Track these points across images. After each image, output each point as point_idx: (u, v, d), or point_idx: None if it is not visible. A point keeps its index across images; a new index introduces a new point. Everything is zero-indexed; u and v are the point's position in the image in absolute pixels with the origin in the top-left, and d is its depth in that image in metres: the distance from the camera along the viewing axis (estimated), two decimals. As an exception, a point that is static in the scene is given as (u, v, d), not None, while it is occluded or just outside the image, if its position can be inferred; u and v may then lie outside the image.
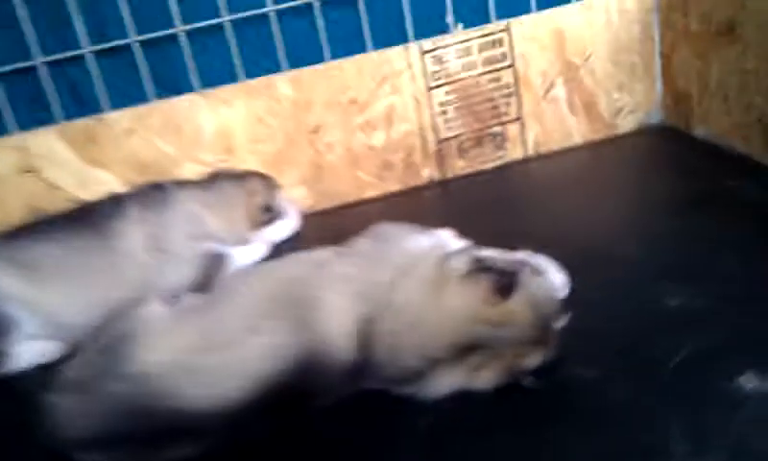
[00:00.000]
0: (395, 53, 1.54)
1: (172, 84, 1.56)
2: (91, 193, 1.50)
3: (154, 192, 1.31)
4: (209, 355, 0.87)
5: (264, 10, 1.51)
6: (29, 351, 1.17)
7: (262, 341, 0.88)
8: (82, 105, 1.54)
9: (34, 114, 1.53)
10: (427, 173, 1.64)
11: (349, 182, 1.62)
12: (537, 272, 0.91)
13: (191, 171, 1.54)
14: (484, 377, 0.86)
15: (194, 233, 1.30)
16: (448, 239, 1.11)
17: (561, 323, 0.88)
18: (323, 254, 0.99)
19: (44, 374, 1.16)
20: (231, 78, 1.56)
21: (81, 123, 1.49)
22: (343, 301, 0.91)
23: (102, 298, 1.21)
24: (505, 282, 0.85)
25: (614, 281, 1.03)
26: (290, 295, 0.92)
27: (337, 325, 0.89)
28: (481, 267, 0.89)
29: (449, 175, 1.64)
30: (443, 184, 1.63)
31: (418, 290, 0.89)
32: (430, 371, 0.87)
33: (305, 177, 1.60)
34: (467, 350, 0.85)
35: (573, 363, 0.89)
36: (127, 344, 0.89)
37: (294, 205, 1.51)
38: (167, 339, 0.89)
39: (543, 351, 0.86)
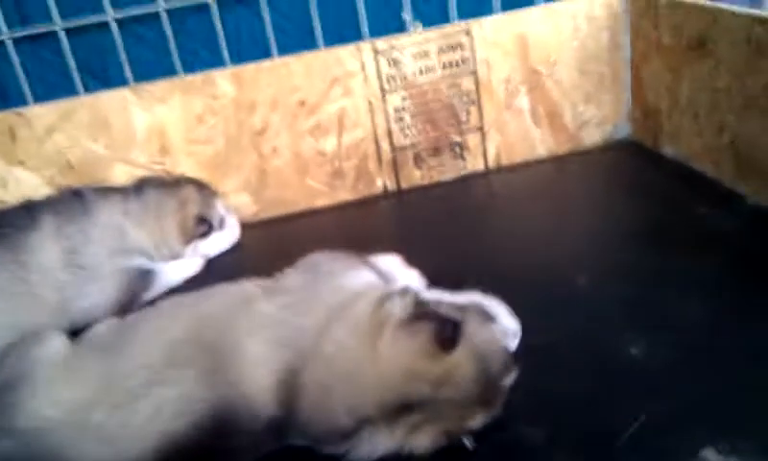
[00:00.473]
0: (346, 52, 1.42)
1: (102, 77, 1.42)
2: (11, 194, 1.37)
3: (71, 201, 1.18)
4: (108, 410, 0.75)
5: (205, -1, 1.39)
6: None
7: (169, 394, 0.77)
8: (6, 98, 1.40)
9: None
10: (381, 183, 1.53)
11: (298, 190, 1.50)
12: (485, 319, 0.81)
13: (122, 173, 1.41)
14: (420, 440, 0.76)
15: (117, 248, 1.18)
16: (393, 269, 1.01)
17: (509, 379, 0.78)
18: (248, 288, 0.88)
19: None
20: (168, 71, 1.43)
21: (-1, 116, 1.35)
22: (265, 347, 0.80)
23: (11, 321, 1.08)
24: (448, 332, 0.75)
25: (571, 325, 0.94)
26: (204, 338, 0.81)
27: (257, 375, 0.79)
28: (422, 313, 0.79)
29: (405, 185, 1.53)
30: (398, 195, 1.53)
31: (350, 337, 0.79)
32: (361, 430, 0.77)
33: (249, 183, 1.48)
34: (402, 409, 0.75)
35: (519, 423, 0.80)
36: (15, 391, 0.78)
37: (233, 214, 1.39)
38: (61, 388, 0.78)
39: (488, 412, 0.77)
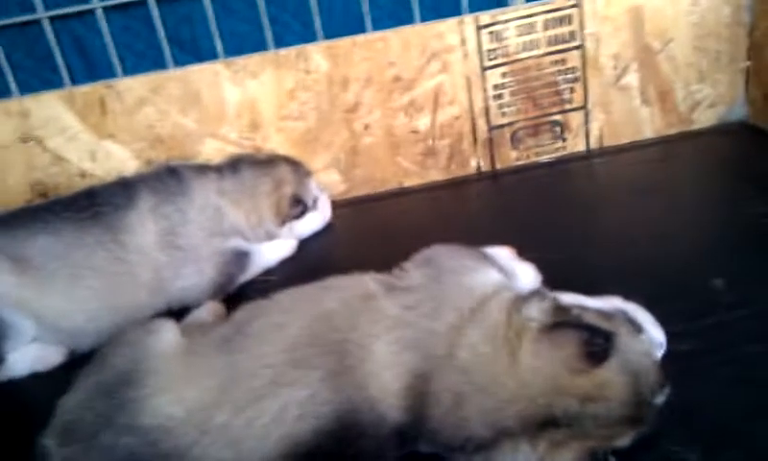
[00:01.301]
0: (447, 26, 1.35)
1: (190, 50, 1.38)
2: (100, 167, 1.35)
3: (167, 179, 1.14)
4: (232, 411, 0.72)
5: (300, -31, 1.32)
6: (26, 358, 1.03)
7: (295, 395, 0.72)
8: (91, 68, 1.37)
9: (37, 76, 1.36)
10: (475, 163, 1.46)
11: (388, 169, 1.44)
12: (634, 329, 0.74)
13: (212, 148, 1.38)
14: (564, 456, 0.70)
15: (214, 229, 1.14)
16: (509, 264, 0.95)
17: (661, 397, 0.71)
18: (368, 284, 0.82)
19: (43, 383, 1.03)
20: (258, 45, 1.37)
21: (90, 89, 1.32)
22: (391, 350, 0.75)
23: (110, 302, 1.06)
24: (598, 345, 0.68)
25: (716, 332, 0.86)
26: (326, 338, 0.76)
27: (384, 379, 0.74)
28: (566, 321, 0.72)
29: (500, 166, 1.46)
30: (492, 177, 1.46)
31: (485, 344, 0.73)
32: (497, 442, 0.71)
33: (339, 160, 1.42)
34: (545, 423, 0.69)
35: (669, 441, 0.73)
36: (134, 386, 0.74)
37: (325, 194, 1.34)
38: (183, 385, 0.74)
39: (637, 430, 0.70)
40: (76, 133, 1.33)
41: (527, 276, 0.95)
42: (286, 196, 1.22)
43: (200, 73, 1.33)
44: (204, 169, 1.18)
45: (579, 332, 0.70)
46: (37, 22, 1.31)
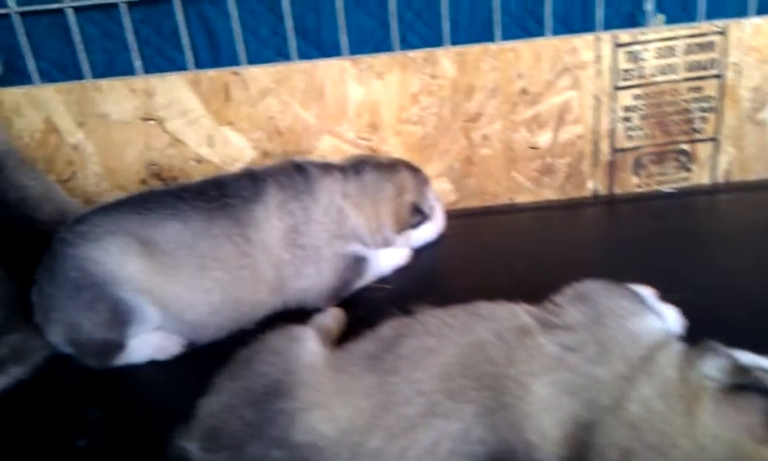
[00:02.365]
0: (582, 42, 1.29)
1: (315, 42, 1.36)
2: (216, 154, 1.34)
3: (296, 175, 1.12)
4: (385, 437, 0.69)
5: (435, -29, 1.28)
6: (145, 346, 1.03)
7: (449, 428, 0.69)
8: (215, 51, 1.36)
9: (161, 54, 1.36)
10: (592, 186, 1.40)
11: (502, 183, 1.40)
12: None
13: (328, 145, 1.36)
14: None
15: (336, 231, 1.12)
16: (657, 307, 0.90)
17: None
18: (521, 316, 0.79)
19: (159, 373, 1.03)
20: (381, 44, 1.34)
21: (216, 74, 1.31)
22: (552, 392, 0.71)
23: (232, 296, 1.05)
24: (786, 416, 0.64)
25: None
26: (481, 370, 0.73)
27: (543, 423, 0.70)
28: (750, 384, 0.67)
29: (618, 192, 1.40)
30: (608, 202, 1.40)
31: (659, 399, 0.69)
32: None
33: (453, 169, 1.39)
34: (719, 492, 0.65)
35: None
36: (284, 398, 0.72)
37: (440, 204, 1.30)
38: (334, 405, 0.72)
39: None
40: (197, 117, 1.32)
41: (673, 320, 0.90)
42: (406, 203, 1.20)
43: (326, 68, 1.30)
44: (329, 168, 1.16)
45: (766, 399, 0.65)
46: (168, 1, 1.30)
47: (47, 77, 1.34)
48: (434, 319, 0.80)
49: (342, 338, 0.96)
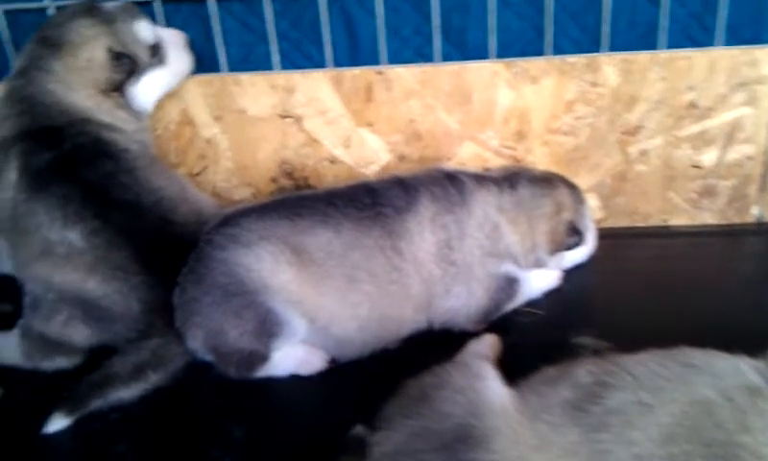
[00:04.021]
0: (766, 54, 1.15)
1: (462, 45, 1.27)
2: (351, 155, 1.27)
3: (449, 187, 1.04)
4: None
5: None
6: (289, 359, 0.97)
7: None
8: (356, 52, 1.29)
9: (300, 50, 1.30)
10: (757, 212, 1.27)
11: (655, 203, 1.28)
12: None
13: (469, 152, 1.27)
14: None
15: (490, 248, 1.03)
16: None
17: None
18: (746, 373, 0.68)
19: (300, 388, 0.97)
20: (529, 47, 1.24)
21: (359, 73, 1.24)
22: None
23: (380, 312, 0.98)
24: None
25: None
26: (712, 437, 0.63)
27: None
28: None
29: (787, 220, 1.26)
30: (775, 231, 1.26)
31: None
32: None
33: (603, 185, 1.28)
34: None
35: None
36: (477, 447, 0.64)
37: (593, 224, 1.19)
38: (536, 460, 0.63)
39: None
40: (336, 116, 1.25)
41: None
42: (564, 222, 1.09)
43: (477, 71, 1.21)
44: (483, 180, 1.07)
45: None
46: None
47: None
48: (641, 367, 0.70)
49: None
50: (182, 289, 0.97)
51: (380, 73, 1.23)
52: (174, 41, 1.17)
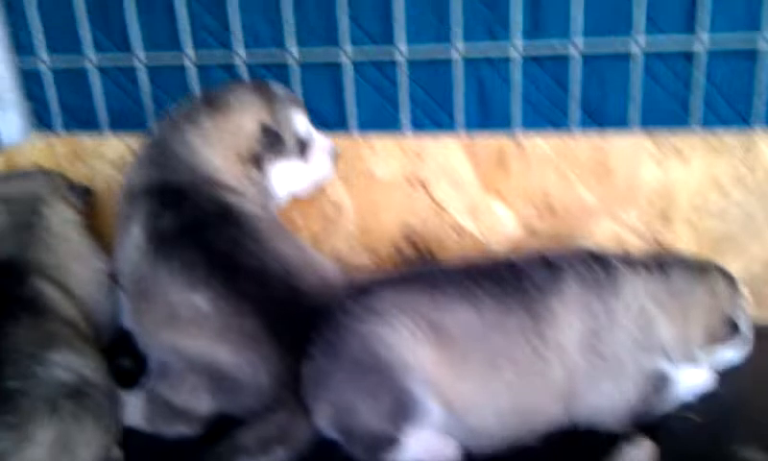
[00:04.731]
0: None
1: (600, 116, 1.21)
2: (479, 226, 1.22)
3: (597, 267, 0.96)
4: None
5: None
6: (421, 446, 0.90)
7: None
8: (486, 118, 1.25)
9: (429, 116, 1.27)
10: None
11: (815, 297, 1.16)
12: None
13: (606, 231, 1.19)
14: None
15: (643, 341, 0.94)
16: None
17: None
18: None
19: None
20: (675, 120, 1.17)
21: (491, 140, 1.19)
22: None
23: (519, 403, 0.91)
24: None
25: None
26: None
27: None
28: None
29: None
30: None
31: None
32: None
33: (753, 276, 1.17)
34: None
35: None
36: None
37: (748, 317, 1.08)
38: None
39: None
40: (464, 184, 1.21)
41: None
42: (720, 314, 0.99)
43: (619, 143, 1.15)
44: (633, 263, 0.99)
45: None
46: (447, 61, 1.21)
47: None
48: None
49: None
50: (313, 361, 0.92)
51: (515, 141, 1.18)
52: (322, 146, 1.17)
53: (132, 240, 1.02)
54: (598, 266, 0.97)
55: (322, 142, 1.17)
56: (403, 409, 0.87)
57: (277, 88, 1.13)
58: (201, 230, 1.00)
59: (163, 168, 1.07)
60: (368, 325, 0.89)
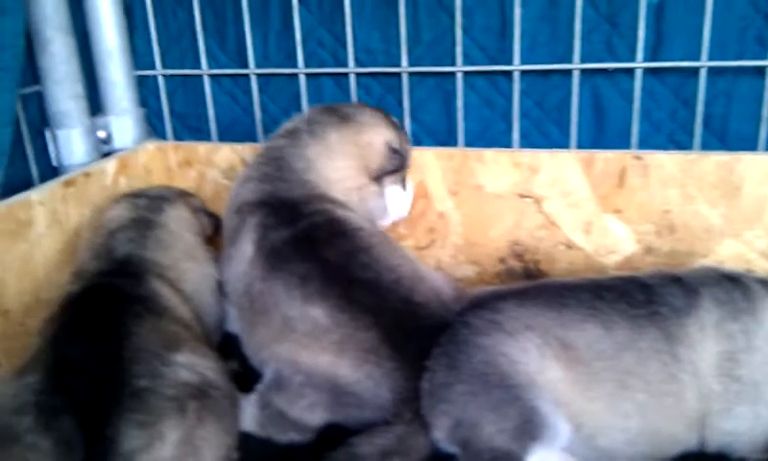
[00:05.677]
0: None
1: (722, 134, 1.16)
2: (591, 243, 1.19)
3: (733, 289, 0.91)
4: None
5: None
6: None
7: None
8: (604, 133, 1.23)
9: (540, 130, 1.25)
10: None
11: None
12: None
13: (729, 252, 1.14)
14: None
15: (787, 368, 0.88)
16: None
17: None
18: None
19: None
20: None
21: (613, 156, 1.15)
22: None
23: (650, 426, 0.86)
24: None
25: None
26: None
27: None
28: None
29: None
30: None
31: None
32: None
33: None
34: None
35: None
36: None
37: None
38: None
39: None
40: (580, 200, 1.17)
41: None
42: None
43: (750, 163, 1.09)
44: (766, 284, 0.93)
45: None
46: (567, 72, 1.19)
47: (415, 139, 1.30)
48: None
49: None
50: (432, 374, 0.90)
51: (637, 158, 1.14)
52: (410, 186, 1.20)
53: (243, 254, 1.02)
54: (734, 287, 0.92)
55: (410, 184, 1.20)
56: (530, 428, 0.84)
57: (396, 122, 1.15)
58: (314, 243, 0.99)
59: (276, 181, 1.07)
60: (491, 339, 0.87)
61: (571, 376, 0.85)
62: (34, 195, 1.10)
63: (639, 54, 1.16)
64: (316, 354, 0.93)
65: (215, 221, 1.23)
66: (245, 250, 1.02)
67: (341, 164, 1.07)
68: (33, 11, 1.21)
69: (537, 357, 0.85)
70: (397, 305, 0.97)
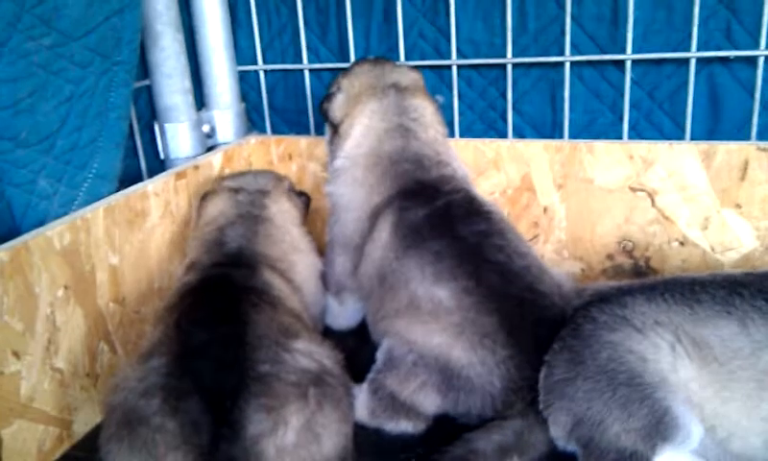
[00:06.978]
0: None
1: None
2: (708, 239, 1.14)
3: None
4: None
5: None
6: (674, 471, 0.83)
7: None
8: (720, 124, 1.18)
9: (649, 121, 1.21)
10: None
11: None
12: None
13: None
14: None
15: None
16: None
17: None
18: None
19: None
20: None
21: (736, 148, 1.10)
22: None
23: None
24: None
25: None
26: None
27: None
28: None
29: None
30: None
31: None
32: None
33: None
34: None
35: None
36: None
37: None
38: None
39: None
40: (697, 194, 1.12)
41: None
42: None
43: None
44: None
45: None
46: (682, 61, 1.14)
47: (517, 132, 1.28)
48: None
49: None
50: (552, 369, 0.87)
51: (763, 149, 1.08)
52: None
53: (378, 244, 1.02)
54: None
55: None
56: (662, 429, 0.80)
57: None
58: (450, 221, 0.99)
59: (411, 171, 1.05)
60: (619, 334, 0.83)
61: (705, 377, 0.81)
62: (150, 186, 1.13)
63: (763, 41, 1.10)
64: (433, 334, 0.92)
65: (306, 199, 1.24)
66: (381, 238, 1.02)
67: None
68: (144, 6, 1.24)
69: (668, 355, 0.81)
70: (523, 293, 0.95)
